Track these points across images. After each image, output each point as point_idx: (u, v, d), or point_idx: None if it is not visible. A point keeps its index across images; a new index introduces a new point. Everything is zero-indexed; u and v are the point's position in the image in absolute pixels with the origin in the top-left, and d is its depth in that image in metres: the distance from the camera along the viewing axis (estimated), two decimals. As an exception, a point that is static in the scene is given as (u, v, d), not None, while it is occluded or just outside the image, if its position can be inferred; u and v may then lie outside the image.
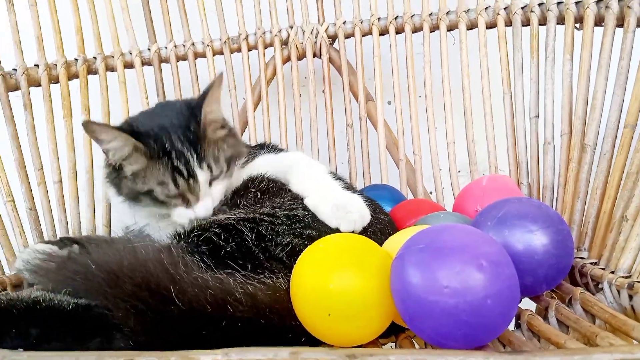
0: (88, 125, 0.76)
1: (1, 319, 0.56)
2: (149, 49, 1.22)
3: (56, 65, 1.14)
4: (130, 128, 0.80)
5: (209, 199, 0.81)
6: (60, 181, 1.06)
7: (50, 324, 0.56)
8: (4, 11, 1.12)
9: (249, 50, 1.24)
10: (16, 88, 1.10)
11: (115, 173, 0.82)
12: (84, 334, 0.56)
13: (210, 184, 0.81)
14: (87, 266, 0.58)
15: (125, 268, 0.57)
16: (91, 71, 1.18)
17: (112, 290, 0.56)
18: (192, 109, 0.82)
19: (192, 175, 0.79)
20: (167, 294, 0.56)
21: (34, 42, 1.13)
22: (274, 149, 0.96)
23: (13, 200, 0.98)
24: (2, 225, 0.94)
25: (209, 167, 0.80)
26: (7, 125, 1.05)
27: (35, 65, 1.13)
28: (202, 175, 0.79)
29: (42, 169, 1.05)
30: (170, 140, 0.79)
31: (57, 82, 1.13)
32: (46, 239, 0.99)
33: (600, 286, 0.68)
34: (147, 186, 0.79)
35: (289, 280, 0.64)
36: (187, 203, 0.80)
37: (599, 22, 0.96)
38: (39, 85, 1.12)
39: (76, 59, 1.16)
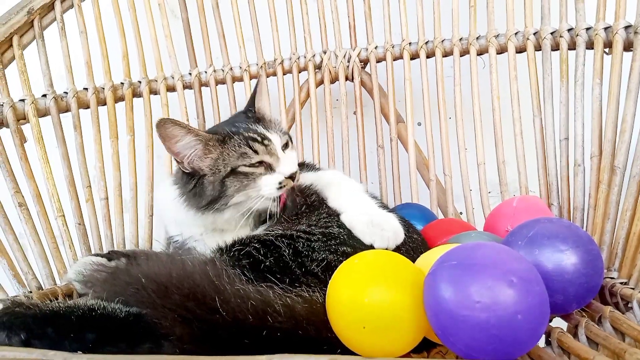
0: (163, 122, 0.81)
1: (61, 324, 0.60)
2: (190, 74, 1.28)
3: (104, 88, 1.21)
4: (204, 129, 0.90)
5: (288, 159, 0.86)
6: (107, 198, 1.12)
7: (105, 329, 0.60)
8: (56, 38, 1.19)
9: (284, 74, 1.29)
10: (67, 110, 1.17)
11: (194, 181, 0.85)
12: (135, 340, 0.60)
13: (283, 151, 0.87)
14: (138, 278, 0.62)
15: (174, 279, 0.61)
16: (136, 94, 1.25)
17: (161, 301, 0.60)
18: (246, 108, 0.93)
19: (265, 137, 0.85)
20: (212, 303, 0.59)
21: (83, 67, 1.21)
22: (312, 167, 1.00)
23: (63, 216, 1.04)
24: (53, 238, 1.00)
25: (277, 132, 0.87)
26: (58, 145, 1.11)
27: (84, 88, 1.20)
28: (275, 137, 0.86)
29: (90, 186, 1.11)
30: (234, 125, 0.87)
31: (105, 104, 1.20)
32: (93, 252, 1.04)
33: (630, 305, 0.69)
34: (230, 165, 0.83)
35: (324, 295, 0.66)
36: (270, 169, 0.85)
37: (628, 47, 0.97)
38: (88, 107, 1.19)
39: (122, 83, 1.23)
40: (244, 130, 0.85)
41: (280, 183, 0.83)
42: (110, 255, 0.89)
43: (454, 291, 0.56)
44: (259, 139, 0.84)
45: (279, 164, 0.85)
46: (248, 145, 0.84)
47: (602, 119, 0.96)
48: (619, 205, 0.86)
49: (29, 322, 0.61)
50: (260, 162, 0.84)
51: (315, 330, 0.63)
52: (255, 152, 0.84)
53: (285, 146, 0.88)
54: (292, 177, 0.84)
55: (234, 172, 0.83)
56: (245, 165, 0.83)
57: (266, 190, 0.83)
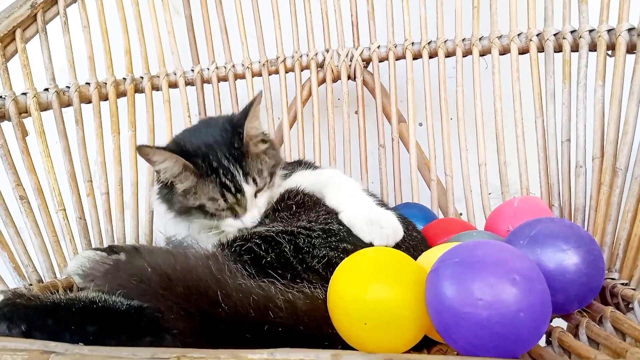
0: (142, 149, 0.82)
1: (62, 316, 0.61)
2: (192, 70, 1.28)
3: (106, 83, 1.20)
4: (179, 148, 0.85)
5: (255, 209, 0.86)
6: (108, 193, 1.12)
7: (106, 322, 0.60)
8: (59, 32, 1.19)
9: (286, 72, 1.29)
10: (69, 104, 1.17)
11: (167, 190, 0.87)
12: (136, 333, 0.60)
13: (255, 196, 0.86)
14: (143, 269, 0.62)
15: (178, 272, 0.61)
16: (138, 90, 1.24)
17: (165, 293, 0.60)
18: (235, 127, 0.87)
19: (239, 190, 0.84)
20: (214, 297, 0.60)
21: (86, 62, 1.21)
22: (311, 166, 1.00)
23: (64, 210, 1.04)
24: (54, 232, 1.00)
25: (254, 181, 0.85)
26: (60, 139, 1.11)
27: (86, 83, 1.19)
28: (248, 189, 0.84)
29: (91, 180, 1.11)
30: (217, 158, 0.83)
31: (107, 99, 1.20)
32: (94, 246, 1.04)
33: (630, 306, 0.69)
34: (199, 202, 0.84)
35: (325, 291, 0.66)
36: (235, 214, 0.85)
37: (631, 49, 0.98)
38: (90, 102, 1.19)
39: (124, 78, 1.23)
40: (222, 173, 0.83)
41: (239, 229, 0.85)
42: (111, 250, 0.89)
43: (456, 288, 0.56)
44: (233, 190, 0.83)
45: (244, 214, 0.85)
46: (221, 192, 0.83)
47: (605, 121, 0.96)
48: (620, 207, 0.86)
49: (30, 313, 0.61)
50: (228, 208, 0.85)
51: (317, 326, 0.64)
52: (226, 201, 0.84)
53: (261, 189, 0.87)
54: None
55: (200, 207, 0.85)
56: (212, 207, 0.84)
57: (226, 228, 0.86)
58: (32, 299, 0.63)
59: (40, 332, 0.60)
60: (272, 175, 0.89)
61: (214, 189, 0.83)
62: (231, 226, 0.86)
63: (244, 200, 0.84)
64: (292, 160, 1.08)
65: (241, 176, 0.84)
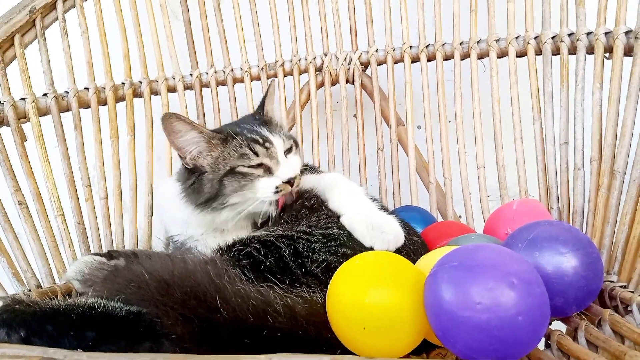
0: (168, 116, 0.81)
1: (61, 322, 0.60)
2: (191, 75, 1.29)
3: (105, 88, 1.21)
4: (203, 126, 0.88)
5: (289, 164, 0.86)
6: (107, 197, 1.12)
7: (105, 328, 0.60)
8: (58, 38, 1.19)
9: (285, 76, 1.30)
10: (67, 109, 1.17)
11: (194, 177, 0.86)
12: (135, 339, 0.60)
13: (285, 155, 0.87)
14: (141, 275, 0.62)
15: (176, 277, 0.61)
16: (137, 94, 1.25)
17: (163, 298, 0.60)
18: (256, 111, 0.94)
19: (267, 140, 0.85)
20: (213, 303, 0.60)
21: (84, 67, 1.21)
22: (314, 169, 1.00)
23: (63, 215, 1.04)
24: (52, 237, 0.99)
25: (280, 137, 0.87)
26: (58, 144, 1.11)
27: (85, 88, 1.20)
28: (276, 140, 0.86)
29: (90, 185, 1.11)
30: (239, 126, 0.88)
31: (105, 104, 1.20)
32: (92, 251, 1.04)
33: (629, 308, 0.69)
34: (230, 164, 0.84)
35: (324, 295, 0.67)
36: (269, 172, 0.85)
37: (628, 52, 0.98)
38: (89, 107, 1.19)
39: (123, 83, 1.23)
40: (247, 132, 0.86)
41: (277, 187, 0.83)
42: (110, 255, 0.89)
43: (454, 292, 0.56)
44: (261, 141, 0.84)
45: (278, 167, 0.84)
46: (249, 146, 0.84)
47: (602, 123, 0.97)
48: (618, 209, 0.87)
49: (29, 319, 0.61)
50: (260, 165, 0.84)
51: (316, 330, 0.64)
52: (256, 153, 0.84)
53: (289, 151, 0.88)
54: (290, 182, 0.83)
55: (232, 171, 0.83)
56: (244, 166, 0.83)
57: (262, 193, 0.83)
58: (31, 305, 0.63)
59: (39, 338, 0.60)
60: (296, 143, 0.91)
61: (242, 145, 0.84)
62: (266, 188, 0.83)
63: (274, 150, 0.85)
64: None
65: (266, 130, 0.87)
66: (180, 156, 0.86)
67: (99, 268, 0.81)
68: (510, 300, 0.54)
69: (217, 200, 0.84)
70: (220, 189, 0.83)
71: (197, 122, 0.85)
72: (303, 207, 0.85)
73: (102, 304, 0.63)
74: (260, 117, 0.92)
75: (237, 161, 0.83)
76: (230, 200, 0.84)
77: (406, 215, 1.03)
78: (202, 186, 0.85)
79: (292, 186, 0.84)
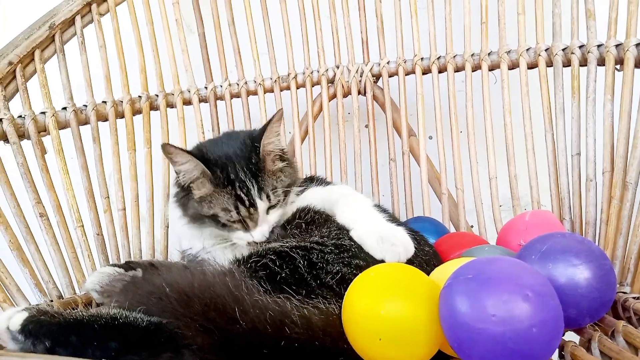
0: (166, 148, 0.85)
1: (84, 332, 0.62)
2: (206, 87, 1.31)
3: (122, 101, 1.23)
4: (200, 154, 0.88)
5: (265, 225, 0.88)
6: (124, 209, 1.14)
7: (127, 338, 0.62)
8: (76, 52, 1.22)
9: (298, 88, 1.31)
10: (86, 122, 1.19)
11: (184, 193, 0.91)
12: (156, 349, 0.62)
13: (267, 212, 0.88)
14: (161, 287, 0.64)
15: (196, 289, 0.62)
16: (153, 107, 1.27)
17: (183, 310, 0.61)
18: (253, 141, 0.90)
19: (252, 204, 0.86)
20: (232, 314, 0.61)
21: (102, 80, 1.23)
22: (322, 182, 1.01)
23: (82, 226, 1.06)
24: (72, 248, 1.01)
25: (268, 197, 0.88)
26: (77, 156, 1.13)
27: (103, 101, 1.22)
28: (261, 204, 0.87)
29: (108, 197, 1.13)
30: (234, 170, 0.87)
31: (123, 117, 1.23)
32: (111, 262, 1.06)
33: (643, 320, 0.70)
34: (212, 211, 0.87)
35: (340, 307, 0.68)
36: (245, 227, 0.88)
37: (639, 63, 0.98)
38: (106, 120, 1.21)
39: (140, 96, 1.26)
40: (238, 186, 0.86)
41: (248, 242, 0.88)
42: (127, 266, 0.91)
43: (469, 304, 0.57)
44: (247, 203, 0.86)
45: (255, 229, 0.88)
46: (234, 204, 0.86)
47: (614, 135, 0.97)
48: (631, 221, 0.87)
49: (54, 330, 0.63)
50: (239, 220, 0.88)
51: (332, 341, 0.65)
52: (238, 213, 0.87)
53: (275, 206, 0.90)
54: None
55: (213, 216, 0.88)
56: (224, 218, 0.87)
57: (237, 241, 0.90)
58: (55, 315, 0.65)
59: (63, 348, 0.62)
60: (286, 193, 0.91)
61: (229, 200, 0.86)
62: (241, 239, 0.89)
63: (256, 214, 0.87)
64: (305, 176, 1.10)
65: (256, 191, 0.86)
66: (176, 172, 0.91)
67: (117, 279, 0.83)
68: (525, 313, 0.55)
69: (199, 221, 0.90)
70: (201, 220, 0.90)
71: (193, 152, 0.88)
72: (312, 220, 0.87)
73: (124, 315, 0.65)
74: (257, 158, 0.88)
75: (219, 211, 0.87)
76: (208, 230, 0.91)
77: (419, 226, 1.03)
78: (188, 204, 0.90)
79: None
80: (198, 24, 1.35)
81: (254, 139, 0.90)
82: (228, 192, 0.86)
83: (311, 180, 1.03)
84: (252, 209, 0.87)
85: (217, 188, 0.87)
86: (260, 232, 0.88)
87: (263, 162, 0.89)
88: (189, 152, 0.86)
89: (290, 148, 1.31)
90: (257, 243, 0.87)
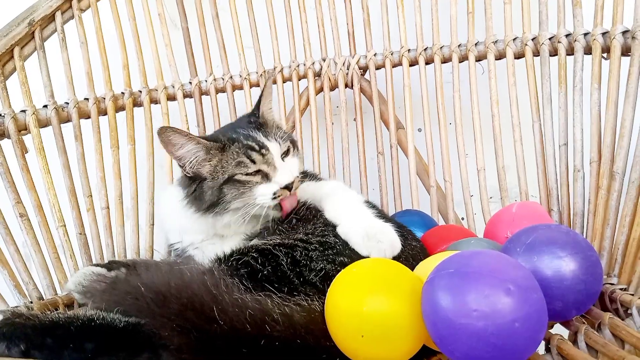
0: (163, 130, 0.83)
1: (60, 334, 0.61)
2: (190, 83, 1.29)
3: (104, 98, 1.21)
4: (199, 136, 0.88)
5: (286, 170, 0.86)
6: (108, 207, 1.12)
7: (104, 339, 0.61)
8: (57, 49, 1.20)
9: (284, 82, 1.30)
10: (68, 120, 1.18)
11: (194, 185, 0.87)
12: (134, 350, 0.61)
13: (282, 159, 0.87)
14: (137, 287, 0.62)
15: (173, 289, 0.61)
16: (137, 104, 1.25)
17: (160, 310, 0.60)
18: (252, 110, 0.94)
19: (263, 146, 0.85)
20: (210, 313, 0.60)
21: (84, 77, 1.22)
22: (314, 177, 1.00)
23: (64, 226, 1.04)
24: (54, 248, 1.00)
25: (277, 140, 0.87)
26: (59, 155, 1.12)
27: (85, 98, 1.20)
28: (272, 145, 0.86)
29: (91, 195, 1.11)
30: (235, 131, 0.88)
31: (105, 114, 1.21)
32: (94, 261, 1.04)
33: (629, 312, 0.69)
34: (228, 172, 0.84)
35: (323, 304, 0.67)
36: (266, 178, 0.85)
37: (626, 51, 0.97)
38: (89, 117, 1.20)
39: (123, 93, 1.24)
40: (243, 138, 0.86)
41: (274, 193, 0.84)
42: (110, 265, 0.89)
43: (451, 299, 0.56)
44: (257, 147, 0.84)
45: (275, 173, 0.85)
46: (246, 154, 0.84)
47: (601, 124, 0.96)
48: (618, 211, 0.86)
49: (29, 332, 0.62)
50: (258, 171, 0.85)
51: (314, 338, 0.64)
52: (253, 161, 0.84)
53: (287, 153, 0.88)
54: (288, 187, 0.84)
55: (231, 179, 0.84)
56: (242, 174, 0.84)
57: (261, 199, 0.84)
58: (31, 318, 0.64)
59: (39, 350, 0.61)
60: (293, 144, 0.90)
61: (239, 153, 0.84)
62: (265, 194, 0.84)
63: (270, 156, 0.85)
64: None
65: (262, 135, 0.86)
66: (179, 165, 0.87)
67: (98, 280, 0.82)
68: (507, 307, 0.54)
69: (218, 206, 0.85)
70: (220, 196, 0.85)
71: (192, 133, 0.85)
72: (299, 215, 0.85)
73: (101, 316, 0.64)
74: (256, 119, 0.91)
75: (234, 169, 0.84)
76: (232, 206, 0.85)
77: (407, 220, 1.03)
78: (203, 193, 0.86)
79: (290, 190, 0.84)
80: (182, 19, 1.33)
81: (251, 112, 0.95)
82: (236, 148, 0.85)
83: (303, 176, 1.01)
84: (264, 151, 0.85)
85: (225, 151, 0.85)
86: (283, 175, 0.84)
87: (263, 118, 0.91)
88: (188, 133, 0.85)
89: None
90: (288, 191, 0.84)
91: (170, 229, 0.95)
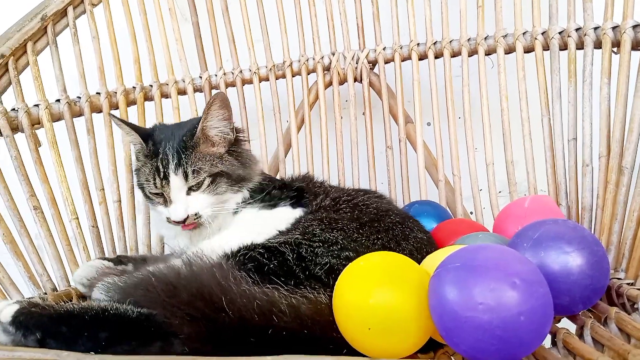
0: (112, 118, 0.93)
1: (75, 323, 0.62)
2: (201, 77, 1.30)
3: (116, 92, 1.23)
4: (144, 130, 0.92)
5: (181, 205, 0.86)
6: (120, 200, 1.14)
7: (117, 328, 0.62)
8: (69, 43, 1.22)
9: (293, 76, 1.30)
10: (80, 114, 1.19)
11: (137, 172, 0.92)
12: (147, 339, 0.62)
13: (189, 192, 0.87)
14: (147, 278, 0.64)
15: (182, 280, 0.63)
16: (147, 98, 1.26)
17: (170, 300, 0.62)
18: (195, 122, 0.89)
19: (166, 177, 0.86)
20: (219, 303, 0.61)
21: (96, 72, 1.23)
22: (270, 200, 0.92)
23: (77, 218, 1.06)
24: (67, 241, 1.02)
25: (185, 175, 0.86)
26: (72, 148, 1.13)
27: (97, 93, 1.22)
28: (174, 180, 0.86)
29: (103, 189, 1.13)
30: (164, 145, 0.88)
31: (117, 108, 1.22)
32: (107, 254, 1.06)
33: (636, 306, 0.69)
34: (141, 181, 0.89)
35: (328, 297, 0.68)
36: (166, 203, 0.88)
37: (636, 46, 0.97)
38: (101, 111, 1.21)
39: (134, 87, 1.25)
40: (161, 157, 0.87)
41: (167, 219, 0.87)
42: (118, 260, 0.91)
43: (457, 293, 0.56)
44: (161, 175, 0.86)
45: (170, 205, 0.87)
46: (152, 175, 0.87)
47: (611, 119, 0.96)
48: (626, 206, 0.86)
49: (45, 321, 0.63)
50: (160, 194, 0.88)
51: (321, 329, 0.64)
52: (155, 185, 0.87)
53: (198, 187, 0.86)
54: (178, 222, 0.86)
55: (141, 186, 0.90)
56: (149, 190, 0.89)
57: (158, 215, 0.90)
58: (46, 308, 0.65)
59: (54, 339, 0.62)
60: (215, 179, 0.88)
61: (150, 170, 0.87)
62: (160, 213, 0.88)
63: (168, 189, 0.86)
64: (299, 175, 1.08)
65: (173, 165, 0.86)
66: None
67: (105, 273, 0.83)
68: (512, 300, 0.54)
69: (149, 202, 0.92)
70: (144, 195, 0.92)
71: (138, 126, 0.93)
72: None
73: (115, 307, 0.65)
74: (189, 139, 0.87)
75: (144, 181, 0.88)
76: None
77: (420, 210, 1.03)
78: (139, 183, 0.91)
79: (184, 223, 0.86)
80: (192, 13, 1.34)
81: (195, 121, 0.91)
82: (152, 163, 0.87)
83: (304, 180, 1.01)
84: (164, 182, 0.86)
85: (146, 159, 0.89)
86: (174, 210, 0.86)
87: (197, 141, 0.87)
88: (131, 125, 0.90)
89: (286, 137, 1.30)
90: (177, 223, 0.86)
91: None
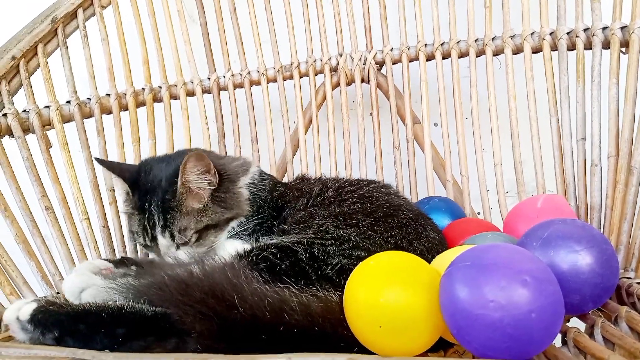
0: (99, 162, 0.97)
1: (92, 321, 0.64)
2: (209, 78, 1.31)
3: (125, 94, 1.24)
4: (131, 174, 0.93)
5: (172, 257, 0.88)
6: (130, 201, 1.14)
7: (134, 326, 0.63)
8: (79, 45, 1.23)
9: (301, 77, 1.31)
10: (90, 115, 1.20)
11: (128, 219, 0.96)
12: (162, 335, 0.63)
13: (178, 247, 0.89)
14: (160, 277, 0.65)
15: (195, 278, 0.64)
16: (157, 99, 1.28)
17: (183, 298, 0.62)
18: (175, 176, 0.88)
19: (154, 238, 0.89)
20: (231, 301, 0.62)
21: (105, 73, 1.24)
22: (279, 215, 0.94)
23: (88, 218, 1.07)
24: (78, 241, 1.03)
25: (172, 236, 0.88)
26: (82, 149, 1.14)
27: (107, 94, 1.23)
28: (162, 240, 0.89)
29: (114, 189, 1.13)
30: (150, 199, 0.89)
31: (126, 109, 1.23)
32: (118, 254, 1.07)
33: (646, 305, 0.69)
34: (132, 230, 0.93)
35: (339, 296, 0.68)
36: (159, 253, 0.91)
37: (645, 46, 0.97)
38: (110, 112, 1.22)
39: (143, 88, 1.26)
40: (148, 215, 0.89)
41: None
42: (121, 262, 0.91)
43: (468, 291, 0.57)
44: (150, 236, 0.89)
45: (162, 255, 0.90)
46: (142, 232, 0.90)
47: (619, 119, 0.96)
48: (636, 205, 0.86)
49: (62, 319, 0.64)
50: (150, 246, 0.91)
51: (332, 327, 0.65)
52: (145, 242, 0.90)
53: (183, 244, 0.88)
54: None
55: (131, 232, 0.93)
56: (137, 238, 0.92)
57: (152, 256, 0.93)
58: (63, 306, 0.67)
59: (72, 337, 0.63)
60: (201, 234, 0.89)
61: (139, 227, 0.90)
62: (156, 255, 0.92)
63: (157, 249, 0.90)
64: (299, 175, 1.09)
65: (159, 227, 0.88)
66: None
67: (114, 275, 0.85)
68: (523, 298, 0.54)
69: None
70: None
71: (125, 167, 0.97)
72: (309, 212, 0.87)
73: (130, 305, 0.66)
74: (171, 195, 0.88)
75: (135, 234, 0.92)
76: None
77: (433, 206, 1.03)
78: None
79: None
80: (200, 14, 1.35)
81: (177, 173, 0.88)
82: (141, 219, 0.89)
83: (302, 180, 1.03)
84: (153, 243, 0.89)
85: (134, 210, 0.91)
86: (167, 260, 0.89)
87: (179, 199, 0.88)
88: (118, 173, 0.93)
89: (294, 138, 1.31)
90: None
91: None
